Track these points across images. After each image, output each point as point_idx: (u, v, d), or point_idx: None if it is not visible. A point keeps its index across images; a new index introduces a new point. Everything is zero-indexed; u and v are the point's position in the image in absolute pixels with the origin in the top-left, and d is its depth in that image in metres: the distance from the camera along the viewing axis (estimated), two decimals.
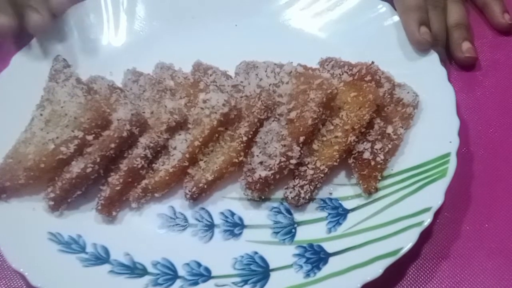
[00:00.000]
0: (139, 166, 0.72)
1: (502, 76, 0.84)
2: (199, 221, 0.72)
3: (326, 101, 0.72)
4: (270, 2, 0.89)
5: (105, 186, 0.72)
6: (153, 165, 0.74)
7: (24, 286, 0.71)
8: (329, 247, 0.68)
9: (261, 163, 0.71)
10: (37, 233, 0.70)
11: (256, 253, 0.69)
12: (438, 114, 0.75)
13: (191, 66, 0.82)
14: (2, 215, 0.71)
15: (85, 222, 0.72)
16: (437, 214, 0.71)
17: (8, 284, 0.71)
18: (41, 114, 0.75)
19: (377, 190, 0.71)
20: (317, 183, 0.71)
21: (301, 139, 0.71)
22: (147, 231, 0.72)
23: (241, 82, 0.79)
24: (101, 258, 0.69)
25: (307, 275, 0.66)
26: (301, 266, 0.67)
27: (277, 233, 0.71)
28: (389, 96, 0.76)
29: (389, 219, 0.68)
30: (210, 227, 0.72)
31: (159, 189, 0.73)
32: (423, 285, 0.68)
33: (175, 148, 0.74)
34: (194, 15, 0.90)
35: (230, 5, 0.89)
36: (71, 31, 0.87)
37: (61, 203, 0.72)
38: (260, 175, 0.70)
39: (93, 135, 0.72)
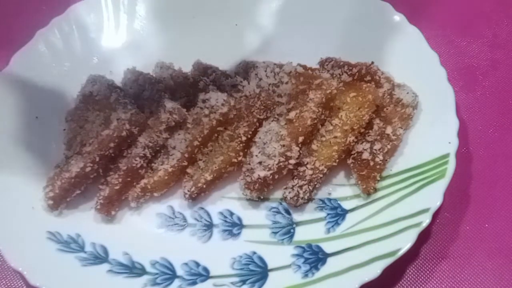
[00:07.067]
0: (138, 165, 0.72)
1: (502, 76, 0.84)
2: (198, 220, 0.73)
3: (325, 101, 0.72)
4: (270, 2, 0.89)
5: (104, 185, 0.73)
6: (152, 164, 0.74)
7: (24, 287, 0.71)
8: (327, 247, 0.68)
9: (260, 163, 0.71)
10: (36, 232, 0.71)
11: (254, 253, 0.69)
12: (438, 114, 0.74)
13: (191, 66, 0.82)
14: (1, 214, 0.71)
15: (84, 221, 0.73)
16: (436, 214, 0.71)
17: (8, 284, 0.71)
18: None
19: (376, 190, 0.71)
20: (316, 183, 0.71)
21: (300, 139, 0.71)
22: (146, 231, 0.72)
23: (241, 82, 0.79)
24: (100, 257, 0.69)
25: (306, 275, 0.66)
26: (299, 266, 0.67)
27: (275, 233, 0.71)
28: (388, 97, 0.76)
29: (388, 220, 0.68)
30: (209, 227, 0.72)
31: (158, 188, 0.73)
32: (422, 285, 0.68)
33: (174, 148, 0.74)
34: (195, 14, 0.89)
35: (230, 5, 0.89)
36: (71, 30, 0.87)
37: (60, 202, 0.72)
38: (259, 175, 0.70)
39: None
